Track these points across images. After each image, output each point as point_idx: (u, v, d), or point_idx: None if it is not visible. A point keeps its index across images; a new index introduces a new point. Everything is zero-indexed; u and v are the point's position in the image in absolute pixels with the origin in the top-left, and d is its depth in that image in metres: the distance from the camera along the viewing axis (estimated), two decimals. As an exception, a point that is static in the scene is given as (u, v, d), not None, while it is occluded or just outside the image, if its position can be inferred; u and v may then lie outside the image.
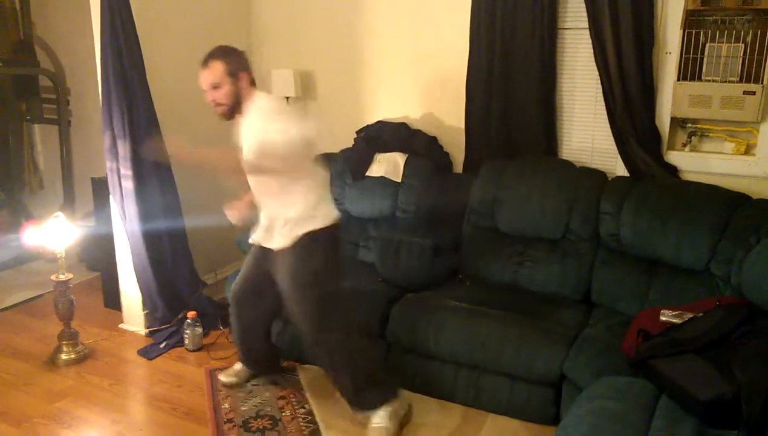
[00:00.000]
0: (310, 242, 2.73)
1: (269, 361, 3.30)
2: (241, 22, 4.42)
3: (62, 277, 3.49)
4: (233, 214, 2.90)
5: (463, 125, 3.76)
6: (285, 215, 2.76)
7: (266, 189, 2.80)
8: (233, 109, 2.75)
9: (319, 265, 2.75)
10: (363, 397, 2.83)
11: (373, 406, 2.82)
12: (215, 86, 2.69)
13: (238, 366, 3.30)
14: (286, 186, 2.74)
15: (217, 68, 2.68)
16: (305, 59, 4.32)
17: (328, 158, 3.67)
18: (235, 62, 2.72)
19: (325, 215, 2.79)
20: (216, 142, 4.20)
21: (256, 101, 2.75)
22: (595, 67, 3.33)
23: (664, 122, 3.32)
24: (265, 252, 2.89)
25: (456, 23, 3.69)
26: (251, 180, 2.84)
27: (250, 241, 2.97)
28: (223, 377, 3.27)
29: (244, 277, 3.06)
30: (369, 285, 3.37)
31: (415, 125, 3.95)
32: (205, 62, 2.71)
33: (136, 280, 3.75)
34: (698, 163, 3.29)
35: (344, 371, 2.83)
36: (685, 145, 3.36)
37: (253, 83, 2.78)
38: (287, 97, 4.24)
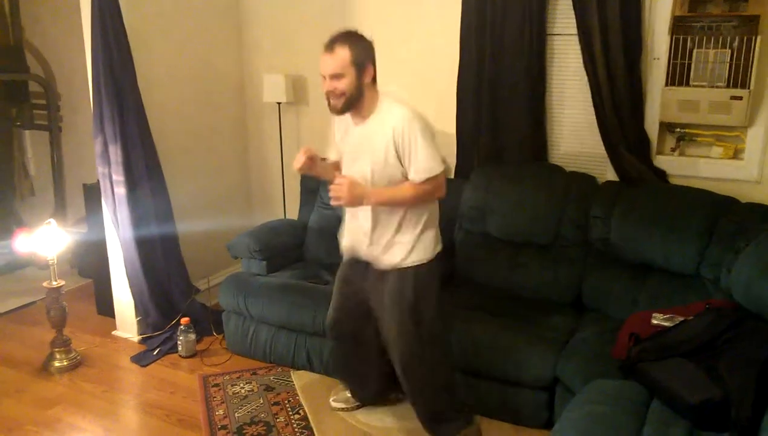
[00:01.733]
0: (427, 271, 2.59)
1: (386, 384, 3.03)
2: (232, 26, 4.43)
3: (54, 284, 3.48)
4: (301, 160, 2.57)
5: (454, 130, 3.78)
6: (408, 227, 2.55)
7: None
8: (351, 104, 2.45)
9: (434, 296, 2.63)
10: (441, 428, 2.77)
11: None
12: (337, 76, 2.40)
13: (349, 394, 3.13)
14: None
15: (343, 55, 2.38)
16: (297, 64, 4.33)
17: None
18: (363, 51, 2.43)
19: (439, 239, 2.65)
20: (208, 145, 4.25)
21: (384, 108, 2.48)
22: (584, 73, 3.35)
23: (652, 127, 3.35)
24: (360, 268, 2.70)
25: (446, 29, 3.70)
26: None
27: (345, 248, 2.76)
28: (334, 404, 3.12)
29: (339, 306, 2.84)
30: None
31: (406, 130, 3.95)
32: (330, 47, 2.40)
33: (128, 286, 3.75)
34: (687, 168, 3.33)
35: (432, 402, 2.74)
36: (673, 150, 3.39)
37: (375, 79, 2.49)
38: (278, 103, 4.26)
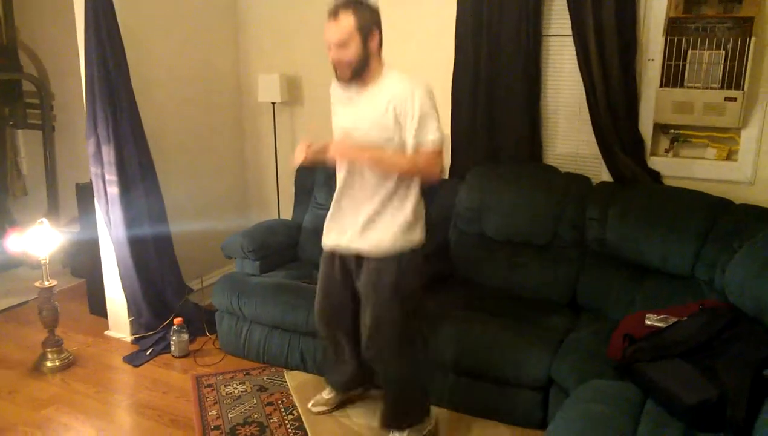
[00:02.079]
0: (412, 257, 2.56)
1: (362, 373, 3.00)
2: (228, 26, 4.42)
3: (46, 283, 3.46)
4: (301, 153, 2.56)
5: (449, 131, 3.78)
6: (397, 211, 2.52)
7: (379, 178, 2.50)
8: (358, 73, 2.41)
9: (416, 280, 2.62)
10: (403, 415, 2.76)
11: (402, 426, 2.75)
12: (342, 44, 2.35)
13: (327, 394, 3.09)
14: (406, 180, 2.51)
15: (348, 22, 2.33)
16: (292, 64, 4.33)
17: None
18: (368, 17, 2.38)
19: (423, 230, 2.62)
20: (202, 145, 4.24)
21: (389, 77, 2.45)
22: (579, 74, 3.36)
23: (647, 128, 3.36)
24: (343, 257, 2.68)
25: (442, 30, 3.70)
26: (351, 165, 2.55)
27: (328, 245, 2.72)
28: (314, 408, 3.07)
29: (324, 293, 2.82)
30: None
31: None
32: (335, 13, 2.35)
33: (121, 286, 3.73)
34: (681, 169, 3.33)
35: (403, 387, 2.73)
36: (668, 151, 3.39)
37: (381, 46, 2.45)
38: (273, 103, 4.25)
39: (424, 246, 2.63)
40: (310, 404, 3.09)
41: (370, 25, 2.37)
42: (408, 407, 2.77)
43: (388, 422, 2.80)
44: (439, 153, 2.44)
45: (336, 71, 2.44)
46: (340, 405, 3.09)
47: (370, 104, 2.45)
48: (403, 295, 2.57)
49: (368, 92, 2.47)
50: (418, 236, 2.59)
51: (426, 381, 2.85)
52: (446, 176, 3.87)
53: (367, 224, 2.55)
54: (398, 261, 2.53)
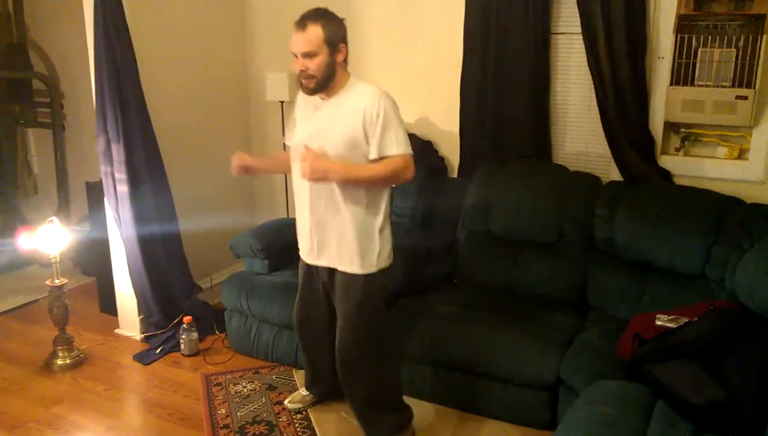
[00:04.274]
0: (378, 278, 2.56)
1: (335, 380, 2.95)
2: (235, 24, 4.43)
3: (57, 282, 3.48)
4: (237, 164, 2.68)
5: (457, 130, 3.77)
6: (363, 233, 2.50)
7: (345, 199, 2.48)
8: (323, 85, 2.41)
9: (382, 301, 2.63)
10: (380, 424, 2.75)
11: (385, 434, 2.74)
12: (309, 54, 2.35)
13: (303, 392, 3.13)
14: (373, 194, 2.50)
15: (316, 33, 2.34)
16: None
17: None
18: (336, 30, 2.39)
19: (390, 250, 2.61)
20: (211, 143, 4.25)
21: (355, 88, 2.46)
22: (589, 72, 3.34)
23: (657, 127, 3.34)
24: (317, 269, 2.70)
25: (450, 28, 3.69)
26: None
27: (304, 259, 2.75)
28: (289, 404, 3.10)
29: (302, 299, 2.88)
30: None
31: (409, 130, 3.92)
32: (302, 24, 2.36)
33: (131, 284, 3.75)
34: (691, 168, 3.31)
35: (373, 397, 2.70)
36: (678, 150, 3.37)
37: (346, 59, 2.46)
38: (281, 102, 4.25)
39: (391, 267, 2.63)
40: (286, 400, 3.13)
41: (337, 38, 2.38)
42: (379, 429, 2.75)
43: None
44: (405, 162, 2.42)
45: (301, 83, 2.43)
46: (317, 402, 3.12)
47: (334, 116, 2.45)
48: (370, 315, 2.58)
49: (333, 104, 2.47)
50: (384, 258, 2.58)
51: (399, 402, 2.81)
52: (455, 175, 3.87)
53: (333, 244, 2.56)
54: (364, 282, 2.54)
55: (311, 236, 2.62)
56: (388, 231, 2.58)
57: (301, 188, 2.58)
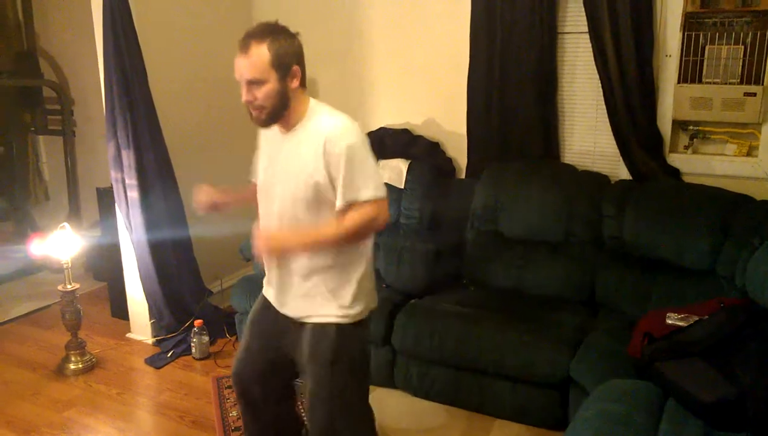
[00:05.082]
0: (352, 331, 2.12)
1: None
2: (243, 27, 4.42)
3: (69, 287, 3.51)
4: (203, 201, 2.28)
5: (464, 130, 3.78)
6: (336, 282, 2.09)
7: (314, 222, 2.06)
8: (276, 116, 2.01)
9: (359, 357, 2.20)
10: None
11: None
12: (255, 82, 1.94)
13: None
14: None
15: (261, 56, 1.93)
16: (307, 66, 4.32)
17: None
18: (287, 50, 1.97)
19: (368, 297, 2.18)
20: (220, 148, 4.27)
21: (313, 120, 2.03)
22: (596, 71, 3.34)
23: (665, 125, 3.33)
24: (278, 319, 2.23)
25: (456, 28, 3.70)
26: (286, 217, 2.09)
27: (265, 295, 2.31)
28: None
29: (248, 357, 2.32)
30: (374, 291, 3.38)
31: (417, 131, 3.96)
32: (245, 45, 1.96)
33: (142, 289, 3.77)
34: (700, 166, 3.30)
35: None
36: (686, 148, 3.36)
37: (304, 83, 2.04)
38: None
39: (369, 319, 2.21)
40: None
41: (289, 59, 1.97)
42: None
43: None
44: (376, 210, 1.97)
45: (250, 114, 2.02)
46: None
47: (292, 153, 2.04)
48: (343, 372, 2.12)
49: (292, 141, 2.05)
50: (359, 308, 2.13)
51: None
52: (463, 176, 3.87)
53: (301, 293, 2.13)
54: (337, 335, 2.10)
55: (280, 283, 2.21)
56: (365, 283, 2.15)
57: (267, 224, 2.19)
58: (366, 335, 2.24)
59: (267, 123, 2.03)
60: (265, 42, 1.95)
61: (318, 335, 2.11)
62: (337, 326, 2.10)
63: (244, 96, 1.98)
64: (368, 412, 2.32)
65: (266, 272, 2.29)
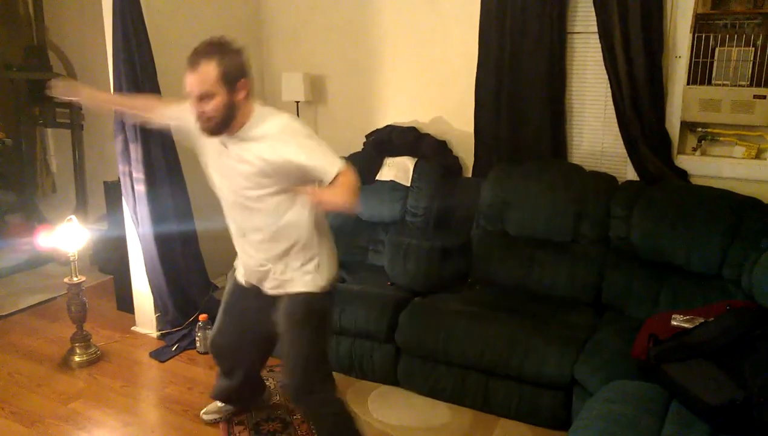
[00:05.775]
0: (321, 299, 2.41)
1: (257, 393, 3.06)
2: (251, 24, 4.45)
3: (75, 280, 3.52)
4: (59, 88, 2.57)
5: (472, 129, 3.77)
6: (302, 256, 2.36)
7: (271, 218, 2.32)
8: (225, 125, 2.17)
9: (325, 322, 2.54)
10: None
11: None
12: (205, 96, 2.11)
13: (220, 403, 3.01)
14: (299, 213, 2.31)
15: (210, 72, 2.08)
16: (316, 63, 4.34)
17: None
18: (234, 65, 2.13)
19: (331, 268, 2.45)
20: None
21: (257, 117, 2.22)
22: (605, 72, 3.33)
23: (674, 126, 3.32)
24: (253, 291, 2.55)
25: (465, 28, 3.70)
26: (240, 215, 2.40)
27: (239, 278, 2.63)
28: (205, 417, 2.99)
29: (224, 327, 2.73)
30: (378, 289, 3.38)
31: (424, 129, 3.96)
32: (194, 62, 2.11)
33: (147, 283, 3.78)
34: (708, 168, 3.29)
35: (328, 426, 2.54)
36: (695, 150, 3.35)
37: (251, 94, 2.21)
38: (297, 102, 4.27)
39: (333, 288, 2.48)
40: (202, 412, 3.02)
41: (236, 73, 2.12)
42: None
43: None
44: (352, 177, 2.14)
45: (199, 124, 2.19)
46: (234, 414, 3.02)
47: (239, 158, 2.22)
48: (314, 335, 2.43)
49: (236, 144, 2.22)
50: (325, 278, 2.40)
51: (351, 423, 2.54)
52: (470, 174, 3.87)
53: (272, 271, 2.41)
54: (306, 303, 2.39)
55: (250, 262, 2.53)
56: (327, 254, 2.44)
57: (231, 211, 2.47)
58: (331, 303, 2.55)
59: (216, 132, 2.20)
60: (213, 59, 2.10)
61: (293, 302, 2.40)
62: (308, 293, 2.38)
63: (194, 110, 2.16)
64: (328, 362, 2.59)
65: (242, 258, 2.58)
